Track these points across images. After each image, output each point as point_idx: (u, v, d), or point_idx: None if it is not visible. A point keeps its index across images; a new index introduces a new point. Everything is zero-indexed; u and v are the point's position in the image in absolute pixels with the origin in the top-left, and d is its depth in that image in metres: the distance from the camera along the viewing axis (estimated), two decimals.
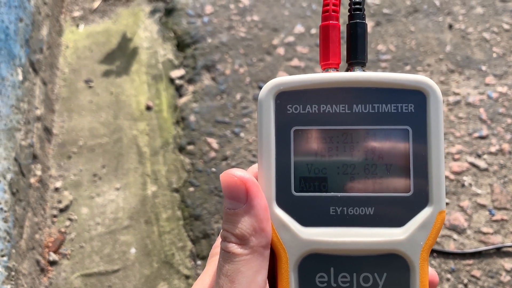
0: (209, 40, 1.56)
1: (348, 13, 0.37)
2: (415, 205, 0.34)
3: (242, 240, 0.32)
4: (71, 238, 1.23)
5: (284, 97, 0.35)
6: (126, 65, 1.58)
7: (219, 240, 0.36)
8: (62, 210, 1.28)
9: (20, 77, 1.25)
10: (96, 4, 1.76)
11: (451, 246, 1.12)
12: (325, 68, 0.37)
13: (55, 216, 1.27)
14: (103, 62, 1.59)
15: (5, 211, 1.05)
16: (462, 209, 1.17)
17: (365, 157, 0.34)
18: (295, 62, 1.48)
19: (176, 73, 1.53)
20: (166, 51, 1.60)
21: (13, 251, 1.04)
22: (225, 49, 1.54)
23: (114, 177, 1.33)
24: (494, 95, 1.35)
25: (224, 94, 1.44)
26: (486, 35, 1.49)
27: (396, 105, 0.34)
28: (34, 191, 1.22)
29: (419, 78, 0.34)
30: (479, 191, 1.19)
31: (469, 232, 1.13)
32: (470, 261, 1.10)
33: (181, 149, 1.36)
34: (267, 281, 0.33)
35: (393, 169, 0.34)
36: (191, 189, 1.28)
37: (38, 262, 1.16)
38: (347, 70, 0.37)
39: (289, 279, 0.34)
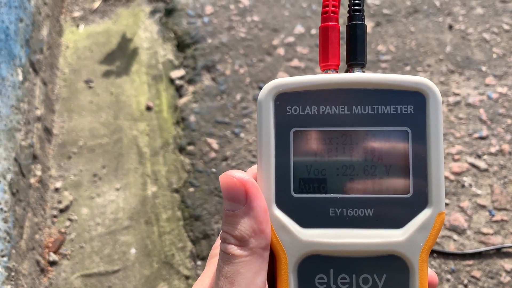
0: (209, 41, 1.56)
1: (348, 14, 0.37)
2: (414, 207, 0.34)
3: (242, 242, 0.32)
4: (71, 239, 1.24)
5: (283, 98, 0.35)
6: (126, 66, 1.58)
7: (218, 241, 0.36)
8: (62, 211, 1.28)
9: (20, 77, 1.25)
10: (96, 5, 1.76)
11: (451, 247, 1.12)
12: (325, 70, 0.37)
13: (55, 216, 1.27)
14: (103, 63, 1.59)
15: (5, 212, 1.05)
16: (462, 210, 1.17)
17: (364, 158, 0.34)
18: (295, 62, 1.48)
19: (176, 74, 1.53)
20: (166, 52, 1.60)
21: (13, 251, 1.04)
22: (225, 50, 1.54)
23: (114, 178, 1.33)
24: (494, 95, 1.35)
25: (224, 95, 1.44)
26: (486, 35, 1.49)
27: (396, 107, 0.34)
28: (34, 192, 1.22)
29: (419, 79, 0.34)
30: (479, 192, 1.19)
31: (469, 232, 1.13)
32: (470, 262, 1.10)
33: (181, 149, 1.36)
34: (266, 283, 0.33)
35: (393, 170, 0.34)
36: (191, 189, 1.28)
37: (38, 262, 1.16)
38: (346, 71, 0.37)
39: (289, 281, 0.34)
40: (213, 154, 1.33)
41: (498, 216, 1.15)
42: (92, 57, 1.61)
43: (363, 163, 0.34)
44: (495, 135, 1.28)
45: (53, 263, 1.20)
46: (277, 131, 0.35)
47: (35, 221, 1.19)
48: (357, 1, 0.37)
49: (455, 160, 1.24)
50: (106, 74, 1.56)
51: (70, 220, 1.27)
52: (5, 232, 1.03)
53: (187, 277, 1.16)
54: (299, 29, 1.56)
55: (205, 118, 1.40)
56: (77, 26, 1.70)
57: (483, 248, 1.10)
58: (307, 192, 0.34)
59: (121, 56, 1.60)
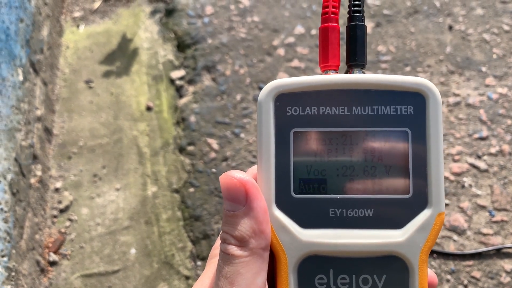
0: (210, 41, 1.56)
1: (348, 15, 0.37)
2: (414, 207, 0.34)
3: (242, 242, 0.32)
4: (71, 239, 1.24)
5: (283, 99, 0.35)
6: (126, 66, 1.58)
7: (218, 241, 0.36)
8: (62, 211, 1.28)
9: (21, 78, 1.25)
10: (96, 5, 1.76)
11: (451, 247, 1.12)
12: (325, 70, 0.37)
13: (55, 216, 1.27)
14: (104, 63, 1.59)
15: (5, 212, 1.05)
16: (462, 210, 1.17)
17: (364, 159, 0.35)
18: (295, 63, 1.48)
19: (176, 74, 1.53)
20: (167, 52, 1.60)
21: (13, 251, 1.04)
22: (225, 50, 1.54)
23: (114, 178, 1.33)
24: (494, 96, 1.35)
25: (224, 95, 1.44)
26: (486, 36, 1.49)
27: (396, 107, 0.34)
28: (34, 192, 1.22)
29: (419, 80, 0.34)
30: (479, 192, 1.19)
31: (469, 233, 1.13)
32: (470, 262, 1.10)
33: (181, 149, 1.36)
34: (266, 283, 0.33)
35: (393, 171, 0.34)
36: (191, 189, 1.28)
37: (38, 262, 1.16)
38: (346, 72, 0.37)
39: (289, 281, 0.34)
40: (213, 155, 1.33)
41: (498, 216, 1.15)
42: (92, 57, 1.61)
43: (363, 164, 0.34)
44: (495, 135, 1.28)
45: (53, 263, 1.20)
46: (277, 132, 0.35)
47: (35, 221, 1.19)
48: (357, 2, 0.37)
49: (455, 161, 1.24)
50: (106, 74, 1.56)
51: (70, 220, 1.27)
52: (5, 232, 1.03)
53: (187, 277, 1.16)
54: (299, 29, 1.56)
55: (205, 119, 1.40)
56: (78, 26, 1.70)
57: (483, 249, 1.10)
58: (307, 193, 0.34)
59: (121, 56, 1.60)
